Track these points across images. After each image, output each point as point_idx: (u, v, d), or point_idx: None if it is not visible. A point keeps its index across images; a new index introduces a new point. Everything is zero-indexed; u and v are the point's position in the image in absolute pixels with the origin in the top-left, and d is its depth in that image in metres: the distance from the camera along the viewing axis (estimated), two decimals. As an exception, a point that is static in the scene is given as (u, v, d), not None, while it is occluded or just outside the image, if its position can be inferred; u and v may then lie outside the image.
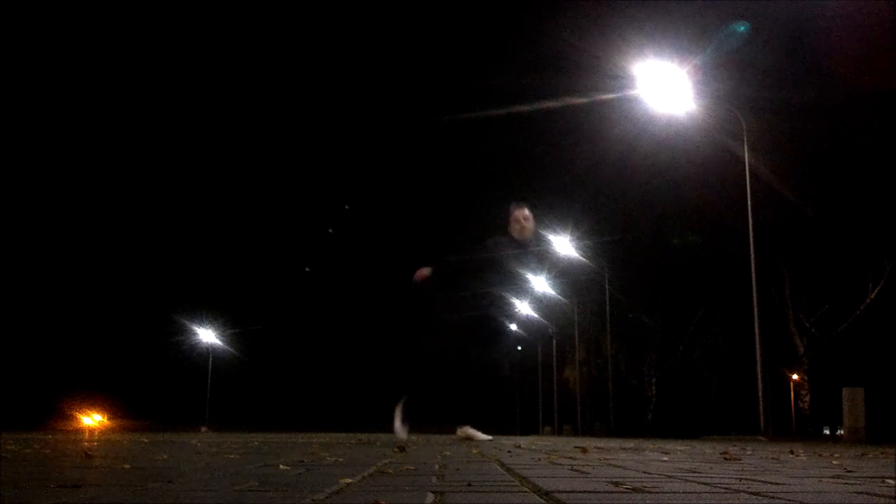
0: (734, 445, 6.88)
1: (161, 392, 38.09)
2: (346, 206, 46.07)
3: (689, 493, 1.74)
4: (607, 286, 25.19)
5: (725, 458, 3.51)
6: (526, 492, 1.71)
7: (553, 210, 24.90)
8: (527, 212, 6.30)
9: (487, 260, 6.11)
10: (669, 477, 2.20)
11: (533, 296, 33.34)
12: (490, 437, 6.10)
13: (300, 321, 44.25)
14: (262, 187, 50.10)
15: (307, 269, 45.45)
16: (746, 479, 2.12)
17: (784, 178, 18.05)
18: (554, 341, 33.31)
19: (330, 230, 45.27)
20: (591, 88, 18.82)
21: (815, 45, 17.88)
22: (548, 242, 25.68)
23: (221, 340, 38.08)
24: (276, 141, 50.49)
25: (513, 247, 6.21)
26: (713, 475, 2.28)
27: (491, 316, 6.20)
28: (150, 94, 43.85)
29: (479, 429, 6.08)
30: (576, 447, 5.04)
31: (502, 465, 2.75)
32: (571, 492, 1.71)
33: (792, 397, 26.14)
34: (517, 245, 6.24)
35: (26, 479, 1.94)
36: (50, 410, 28.60)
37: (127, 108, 42.62)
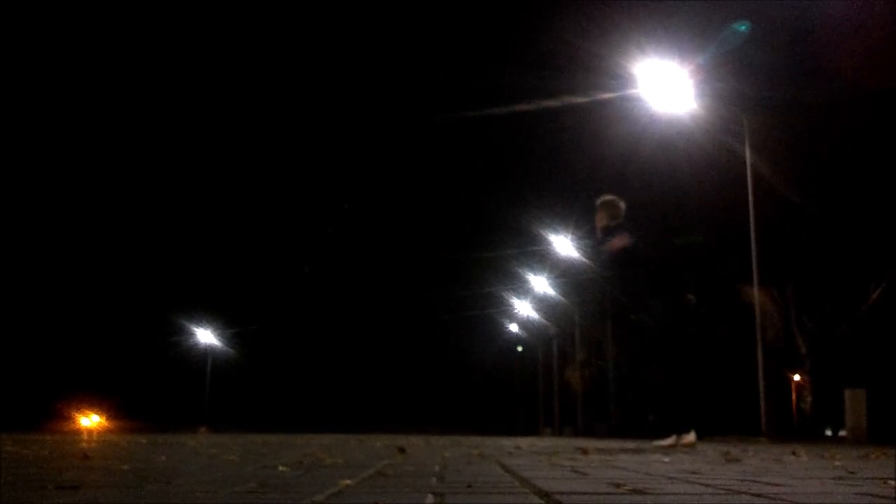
0: (736, 446, 6.88)
1: (159, 393, 38.05)
2: (346, 206, 45.93)
3: (690, 494, 1.73)
4: (608, 286, 25.16)
5: (727, 460, 3.51)
6: (526, 493, 1.70)
7: (553, 210, 24.89)
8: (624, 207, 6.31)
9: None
10: (671, 478, 2.19)
11: (534, 296, 33.38)
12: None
13: (299, 321, 44.25)
14: (261, 187, 50.14)
15: (306, 270, 45.34)
16: (748, 481, 2.11)
17: (785, 178, 18.03)
18: (554, 342, 33.31)
19: (330, 230, 45.19)
20: (592, 88, 18.77)
21: (816, 45, 17.86)
22: (548, 242, 25.71)
23: (220, 341, 38.06)
24: (276, 140, 50.54)
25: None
26: (715, 476, 2.27)
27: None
28: (150, 94, 43.85)
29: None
30: (576, 448, 5.04)
31: (503, 466, 2.74)
32: (572, 493, 1.70)
33: (794, 398, 26.11)
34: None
35: (25, 481, 1.94)
36: (48, 411, 28.61)
37: (126, 108, 42.62)
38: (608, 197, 6.34)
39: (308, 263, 45.59)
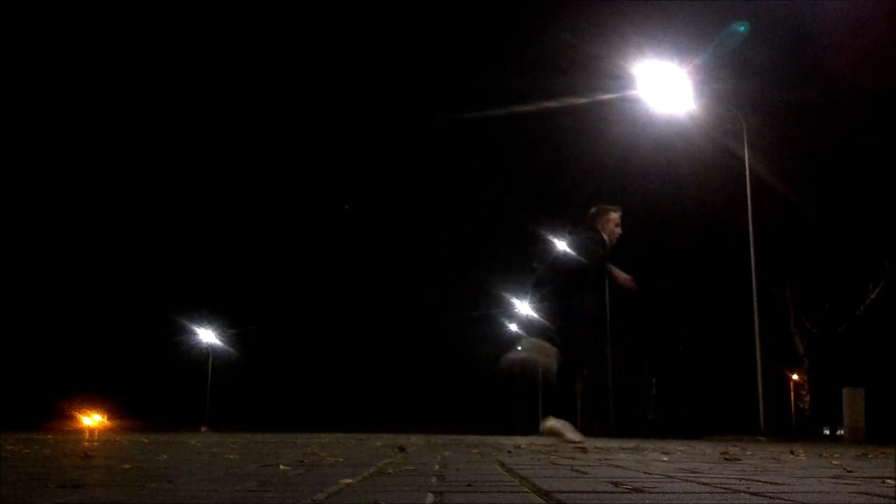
0: (734, 446, 6.89)
1: (161, 392, 38.09)
2: (346, 206, 45.79)
3: (689, 493, 1.73)
4: (607, 286, 25.17)
5: (725, 459, 3.52)
6: (526, 492, 1.71)
7: (552, 210, 24.91)
8: (619, 217, 6.28)
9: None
10: (669, 477, 2.20)
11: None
12: (581, 439, 5.91)
13: (299, 321, 44.28)
14: (262, 187, 50.16)
15: (346, 207, 44.73)
16: (747, 480, 2.12)
17: (784, 178, 18.05)
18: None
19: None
20: (591, 88, 18.80)
21: (816, 45, 17.88)
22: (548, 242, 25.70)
23: (221, 340, 38.07)
24: (276, 140, 50.57)
25: (602, 246, 6.15)
26: (713, 475, 2.28)
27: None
28: (150, 94, 43.84)
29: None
30: (576, 447, 5.05)
31: (502, 465, 2.75)
32: (571, 492, 1.71)
33: (792, 398, 26.14)
34: (605, 245, 6.19)
35: (27, 480, 1.94)
36: (49, 410, 28.60)
37: (126, 108, 42.64)
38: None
39: (308, 263, 45.65)
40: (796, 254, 20.56)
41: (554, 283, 6.12)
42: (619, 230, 6.26)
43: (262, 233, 46.00)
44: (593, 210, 6.29)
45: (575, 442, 5.64)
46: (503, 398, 44.40)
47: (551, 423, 5.92)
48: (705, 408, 27.53)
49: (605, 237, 6.21)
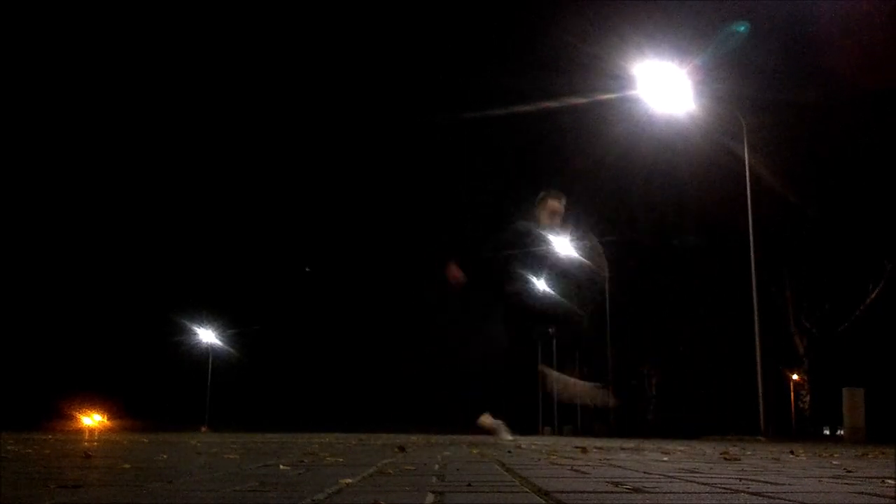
0: (734, 446, 6.89)
1: (161, 392, 38.14)
2: (307, 269, 46.03)
3: (689, 493, 1.73)
4: (607, 286, 25.18)
5: (725, 459, 3.51)
6: (526, 492, 1.71)
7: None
8: (560, 204, 6.16)
9: (515, 250, 6.06)
10: (669, 477, 2.19)
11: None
12: (512, 438, 6.03)
13: (300, 321, 44.29)
14: (262, 187, 50.17)
15: (307, 270, 45.47)
16: (746, 480, 2.12)
17: (784, 178, 18.05)
18: (554, 341, 33.29)
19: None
20: (591, 88, 18.81)
21: (815, 45, 17.88)
22: (548, 243, 25.69)
23: (221, 340, 38.07)
24: (277, 140, 50.60)
25: (537, 237, 6.11)
26: (713, 475, 2.28)
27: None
28: (151, 94, 43.83)
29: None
30: (576, 447, 5.05)
31: (502, 465, 2.75)
32: (571, 492, 1.71)
33: (792, 397, 26.15)
34: (541, 235, 6.15)
35: (26, 479, 1.94)
36: (50, 410, 28.60)
37: (127, 108, 42.65)
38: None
39: (309, 264, 45.67)
40: (796, 254, 20.56)
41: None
42: (556, 218, 6.18)
43: (262, 233, 46.01)
44: (538, 196, 6.24)
45: (508, 440, 5.72)
46: (502, 399, 44.39)
47: (486, 419, 6.02)
48: (705, 408, 27.52)
49: (538, 224, 6.15)
